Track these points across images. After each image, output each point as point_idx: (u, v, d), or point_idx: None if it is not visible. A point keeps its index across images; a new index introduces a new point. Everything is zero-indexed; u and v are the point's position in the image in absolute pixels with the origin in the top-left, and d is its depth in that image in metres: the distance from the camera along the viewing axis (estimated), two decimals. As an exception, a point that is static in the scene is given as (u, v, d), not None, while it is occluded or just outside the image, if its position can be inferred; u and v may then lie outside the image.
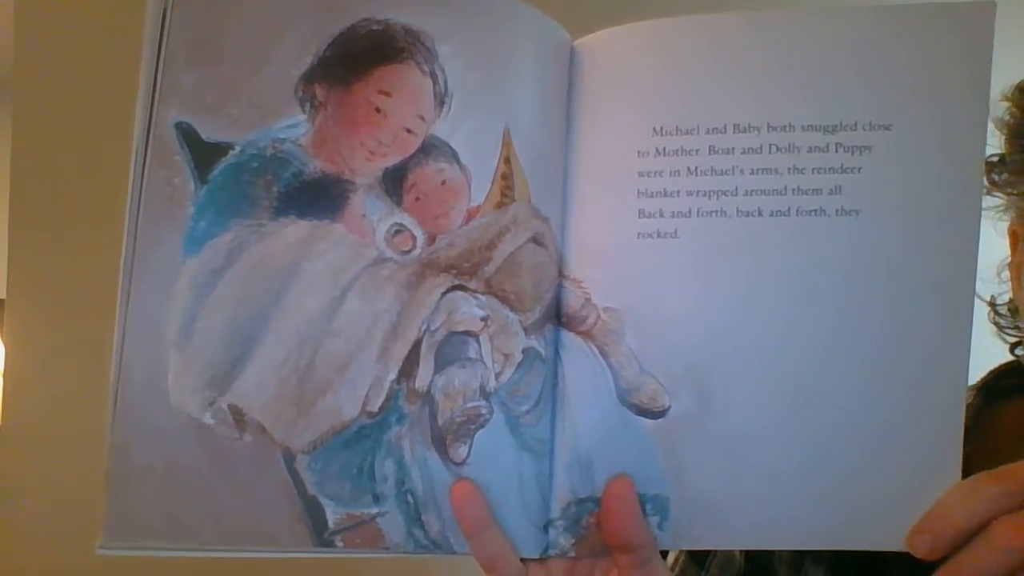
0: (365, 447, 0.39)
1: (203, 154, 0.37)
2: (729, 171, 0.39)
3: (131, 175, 0.36)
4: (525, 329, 0.40)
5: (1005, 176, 0.52)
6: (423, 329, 0.39)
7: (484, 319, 0.40)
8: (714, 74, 0.39)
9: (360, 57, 0.38)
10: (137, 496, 0.37)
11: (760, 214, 0.39)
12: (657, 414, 0.40)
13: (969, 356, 0.38)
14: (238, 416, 0.37)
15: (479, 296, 0.40)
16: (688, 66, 0.40)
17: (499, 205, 0.40)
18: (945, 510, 0.36)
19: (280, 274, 0.38)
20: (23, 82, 1.30)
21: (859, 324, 0.38)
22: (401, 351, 0.39)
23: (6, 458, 1.31)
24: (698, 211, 0.39)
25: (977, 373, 0.53)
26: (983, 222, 0.38)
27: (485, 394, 0.40)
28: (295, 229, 0.38)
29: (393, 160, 0.39)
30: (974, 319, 0.38)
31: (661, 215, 0.40)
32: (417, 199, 0.39)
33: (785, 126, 0.38)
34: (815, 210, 0.38)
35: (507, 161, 0.40)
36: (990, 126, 0.44)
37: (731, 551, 0.53)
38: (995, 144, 0.52)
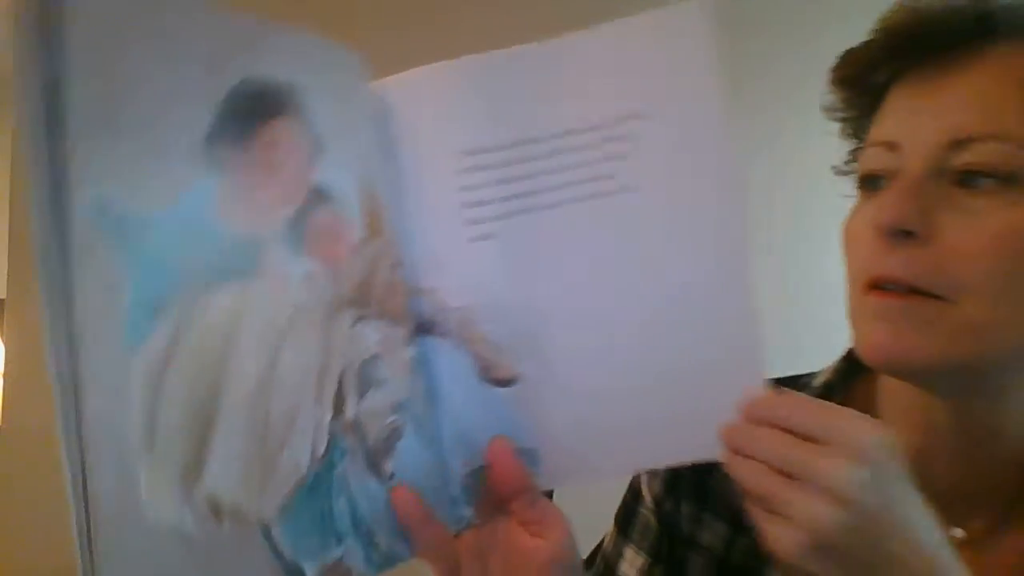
0: (322, 492, 0.40)
1: (129, 231, 0.32)
2: (529, 176, 0.49)
3: (38, 258, 0.31)
4: (407, 341, 0.45)
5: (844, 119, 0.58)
6: (343, 363, 0.41)
7: (384, 340, 0.43)
8: (508, 99, 0.48)
9: (247, 116, 0.38)
10: None
11: (560, 206, 0.49)
12: (512, 383, 0.49)
13: (749, 281, 0.47)
14: (215, 506, 0.35)
15: (375, 320, 0.43)
16: (487, 95, 0.48)
17: (373, 235, 0.44)
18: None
19: (220, 345, 0.36)
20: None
21: (656, 275, 0.50)
22: (331, 389, 0.40)
23: (6, 458, 1.37)
24: (510, 213, 0.49)
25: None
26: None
27: (397, 408, 0.44)
28: (224, 297, 0.36)
29: (290, 209, 0.39)
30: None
31: (483, 221, 0.48)
32: (316, 242, 0.40)
33: (567, 131, 0.49)
34: (601, 192, 0.49)
35: (370, 196, 0.44)
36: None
37: (647, 516, 0.62)
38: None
